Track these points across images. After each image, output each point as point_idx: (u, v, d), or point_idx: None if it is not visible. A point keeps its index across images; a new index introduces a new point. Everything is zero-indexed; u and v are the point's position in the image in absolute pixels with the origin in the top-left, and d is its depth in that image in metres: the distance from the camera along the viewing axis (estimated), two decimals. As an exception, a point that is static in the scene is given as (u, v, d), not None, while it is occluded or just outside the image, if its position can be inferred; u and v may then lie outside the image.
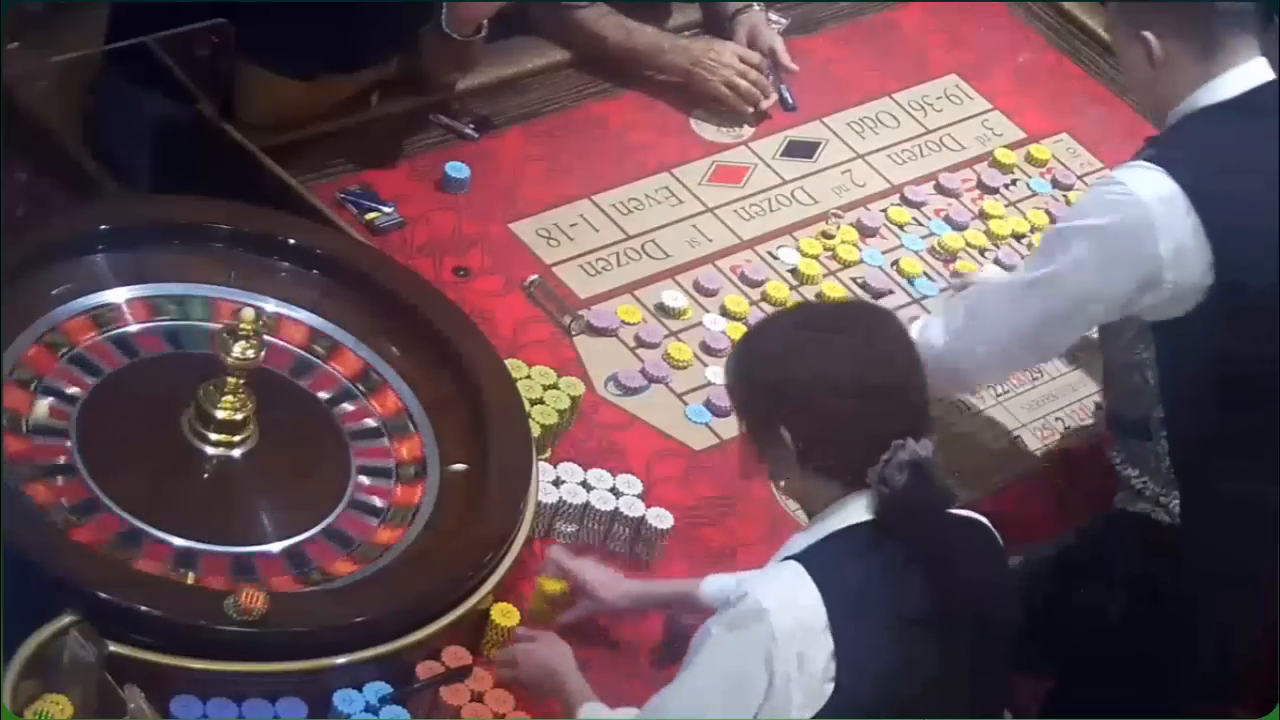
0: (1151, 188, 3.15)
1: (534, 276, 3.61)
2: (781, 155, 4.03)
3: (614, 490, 3.23)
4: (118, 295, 3.22)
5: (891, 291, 3.78)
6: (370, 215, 3.64)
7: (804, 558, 2.68)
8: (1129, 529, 3.37)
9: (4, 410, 2.98)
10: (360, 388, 3.23)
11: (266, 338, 3.15)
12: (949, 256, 3.88)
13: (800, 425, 2.71)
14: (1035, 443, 3.61)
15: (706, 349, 3.58)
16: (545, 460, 3.25)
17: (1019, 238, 3.93)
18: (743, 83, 4.02)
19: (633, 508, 3.21)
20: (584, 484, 3.23)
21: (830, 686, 2.63)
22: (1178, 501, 3.31)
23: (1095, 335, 3.39)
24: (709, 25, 4.20)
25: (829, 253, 3.83)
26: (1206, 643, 3.36)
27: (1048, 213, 3.98)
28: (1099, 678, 3.42)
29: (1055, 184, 4.09)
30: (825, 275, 3.78)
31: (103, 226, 3.26)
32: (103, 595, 2.75)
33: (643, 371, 3.51)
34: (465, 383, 3.23)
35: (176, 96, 3.58)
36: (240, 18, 3.49)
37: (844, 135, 4.10)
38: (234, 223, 3.33)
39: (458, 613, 2.96)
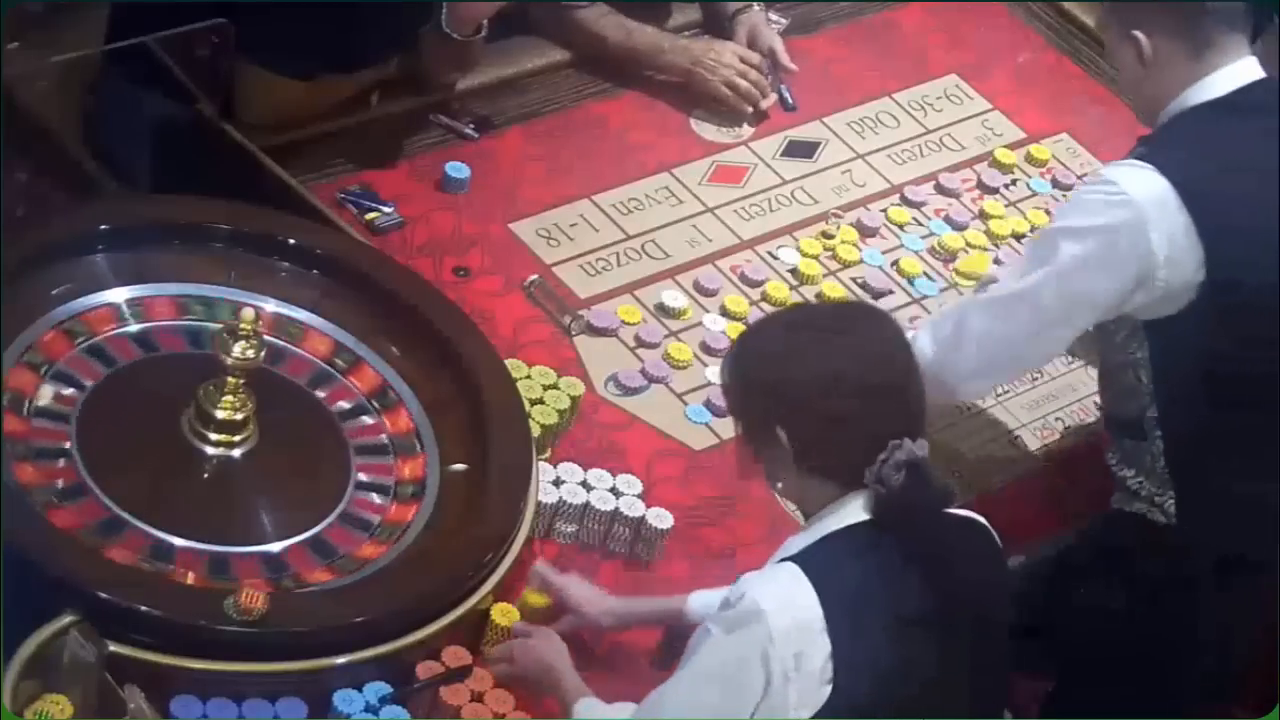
0: (1143, 186, 3.16)
1: (534, 276, 3.61)
2: (781, 155, 4.03)
3: (614, 490, 3.23)
4: (118, 295, 3.22)
5: (891, 291, 3.78)
6: (370, 215, 3.64)
7: (801, 559, 2.68)
8: (1126, 529, 3.38)
9: (4, 409, 2.99)
10: (375, 404, 3.23)
11: (290, 346, 3.18)
12: (949, 256, 3.88)
13: (796, 426, 2.71)
14: (1035, 443, 3.61)
15: (706, 349, 3.58)
16: (545, 460, 3.25)
17: (1019, 238, 3.93)
18: (743, 83, 4.02)
19: (633, 508, 3.21)
20: (584, 484, 3.23)
21: (828, 688, 2.63)
22: (1173, 501, 3.31)
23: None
24: (709, 25, 4.20)
25: (829, 253, 3.83)
26: (1205, 642, 3.36)
27: (1047, 213, 3.98)
28: (1098, 678, 3.43)
29: (1055, 184, 4.09)
30: (825, 275, 3.78)
31: (103, 226, 3.26)
32: (103, 595, 2.75)
33: (643, 371, 3.52)
34: (465, 383, 3.23)
35: (176, 96, 3.58)
36: (240, 18, 3.49)
37: (844, 135, 4.10)
38: (234, 223, 3.33)
39: (458, 613, 2.96)
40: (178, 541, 2.95)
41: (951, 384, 3.28)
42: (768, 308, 3.65)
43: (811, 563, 2.67)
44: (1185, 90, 3.24)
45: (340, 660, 2.84)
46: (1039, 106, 4.27)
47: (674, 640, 2.99)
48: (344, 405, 3.21)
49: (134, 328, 3.20)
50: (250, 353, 3.02)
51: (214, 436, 3.07)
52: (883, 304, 3.70)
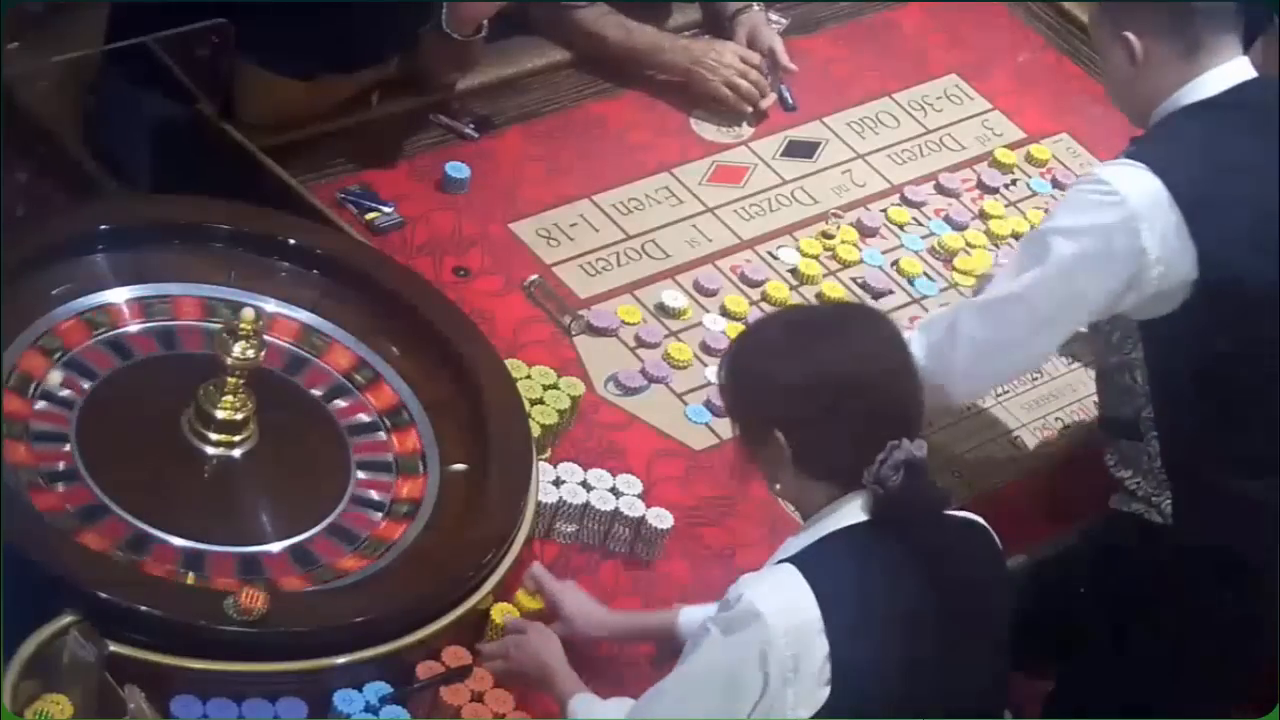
0: (1135, 185, 3.16)
1: (534, 276, 3.61)
2: (781, 155, 4.03)
3: (614, 490, 3.23)
4: (118, 295, 3.22)
5: (891, 291, 3.78)
6: (370, 215, 3.64)
7: (799, 560, 2.68)
8: (1124, 530, 3.38)
9: (4, 414, 2.99)
10: (356, 380, 3.23)
11: (311, 358, 3.21)
12: (949, 256, 3.88)
13: (794, 427, 2.71)
14: (1035, 443, 3.61)
15: (706, 349, 3.58)
16: (545, 460, 3.25)
17: (1019, 238, 3.92)
18: (743, 83, 4.02)
19: (633, 508, 3.21)
20: (584, 484, 3.23)
21: (826, 689, 2.62)
22: (1170, 501, 3.31)
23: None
24: (709, 25, 4.21)
25: (829, 253, 3.83)
26: (1204, 643, 3.36)
27: (1047, 213, 3.97)
28: (1099, 678, 3.43)
29: (1055, 184, 4.09)
30: (825, 275, 3.78)
31: (103, 226, 3.26)
32: (103, 595, 2.75)
33: (643, 371, 3.52)
34: (465, 383, 3.23)
35: (176, 96, 3.58)
36: (240, 18, 3.49)
37: (844, 135, 4.10)
38: (234, 223, 3.34)
39: (458, 613, 2.96)
40: (157, 534, 2.94)
41: (946, 387, 3.27)
42: (768, 308, 3.65)
43: (810, 564, 2.67)
44: (1177, 90, 3.24)
45: (340, 660, 2.84)
46: (1039, 106, 4.27)
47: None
48: (360, 419, 3.20)
49: (136, 327, 3.20)
50: (250, 353, 3.02)
51: (214, 436, 3.07)
52: (883, 304, 3.70)
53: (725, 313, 3.66)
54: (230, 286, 3.29)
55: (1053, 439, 3.62)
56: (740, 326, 3.55)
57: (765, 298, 3.70)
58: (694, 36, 4.15)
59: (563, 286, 3.63)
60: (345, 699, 2.83)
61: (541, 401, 3.31)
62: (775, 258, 3.80)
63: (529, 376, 3.35)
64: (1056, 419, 3.66)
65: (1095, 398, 3.58)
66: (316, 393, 3.22)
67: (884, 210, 3.94)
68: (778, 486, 2.83)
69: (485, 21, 3.78)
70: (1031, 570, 3.41)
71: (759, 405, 2.76)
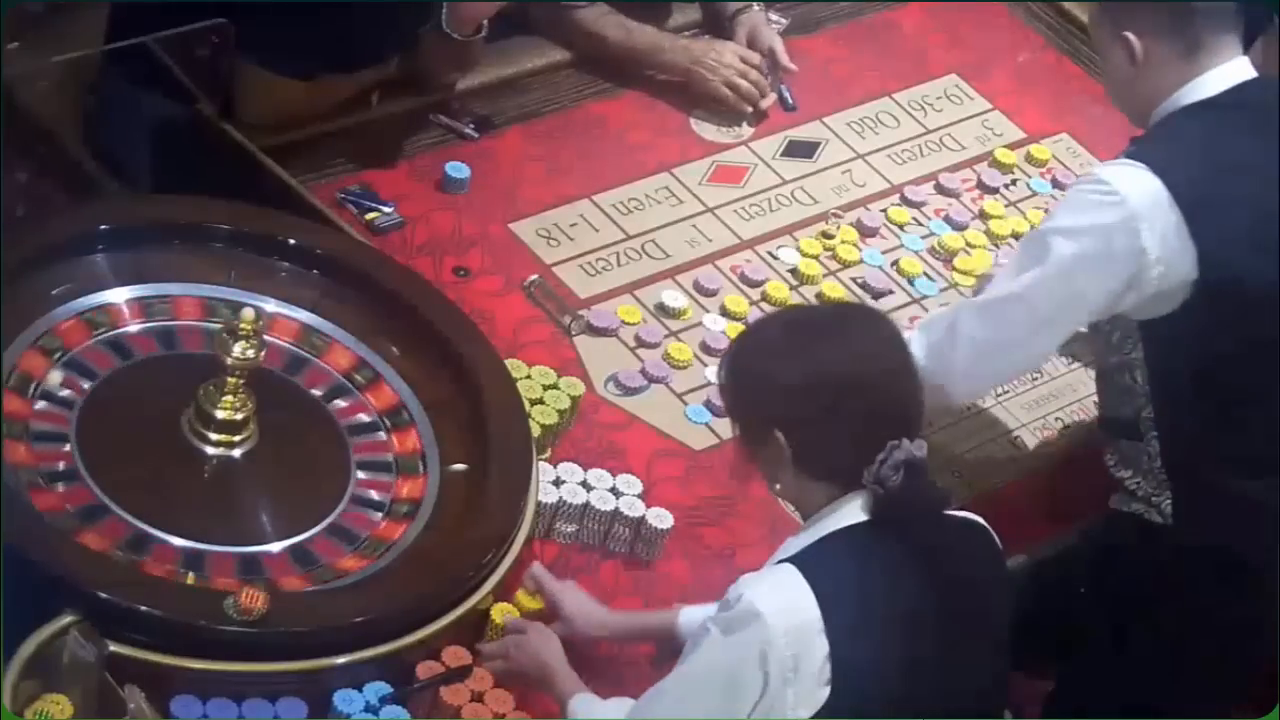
0: (1135, 185, 3.16)
1: (534, 276, 3.61)
2: (781, 155, 4.03)
3: (614, 490, 3.23)
4: (118, 295, 3.22)
5: (891, 291, 3.78)
6: (370, 215, 3.64)
7: (799, 560, 2.68)
8: (1124, 530, 3.38)
9: (4, 411, 2.99)
10: (356, 380, 3.23)
11: (311, 358, 3.21)
12: (949, 256, 3.88)
13: (793, 427, 2.71)
14: (1035, 443, 3.61)
15: (706, 349, 3.58)
16: (545, 460, 3.25)
17: (1019, 238, 3.92)
18: (743, 83, 4.02)
19: (633, 508, 3.21)
20: (584, 484, 3.23)
21: (826, 689, 2.62)
22: (1170, 501, 3.31)
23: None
24: (709, 25, 4.21)
25: (829, 253, 3.83)
26: (1204, 643, 3.36)
27: (1047, 213, 3.97)
28: (1099, 678, 3.43)
29: (1055, 184, 4.09)
30: (825, 275, 3.78)
31: (103, 226, 3.26)
32: (103, 595, 2.75)
33: (643, 371, 3.52)
34: (465, 383, 3.23)
35: (176, 96, 3.58)
36: (240, 18, 3.49)
37: (844, 135, 4.10)
38: (234, 223, 3.34)
39: (458, 613, 2.96)
40: (156, 534, 2.94)
41: (946, 387, 3.27)
42: (768, 308, 3.65)
43: (810, 564, 2.67)
44: (1177, 90, 3.24)
45: (340, 660, 2.84)
46: (1039, 106, 4.27)
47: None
48: (361, 419, 3.20)
49: (136, 327, 3.20)
50: (250, 353, 3.02)
51: (214, 436, 3.07)
52: (883, 304, 3.70)
53: (725, 313, 3.66)
54: (230, 286, 3.29)
55: (1053, 439, 3.62)
56: (740, 326, 3.55)
57: (765, 298, 3.70)
58: (694, 36, 4.15)
59: (563, 286, 3.63)
60: (345, 699, 2.84)
61: (541, 401, 3.31)
62: (775, 258, 3.80)
63: (529, 376, 3.35)
64: (1056, 419, 3.66)
65: (1095, 398, 3.58)
66: (316, 392, 3.22)
67: (884, 210, 3.94)
68: (778, 486, 2.83)
69: (485, 21, 3.78)
70: (1031, 570, 3.40)
71: (759, 405, 2.76)
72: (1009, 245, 3.91)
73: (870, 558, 2.69)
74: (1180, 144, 3.22)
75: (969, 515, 2.87)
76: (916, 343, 3.26)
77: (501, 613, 3.01)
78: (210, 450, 3.07)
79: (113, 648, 2.73)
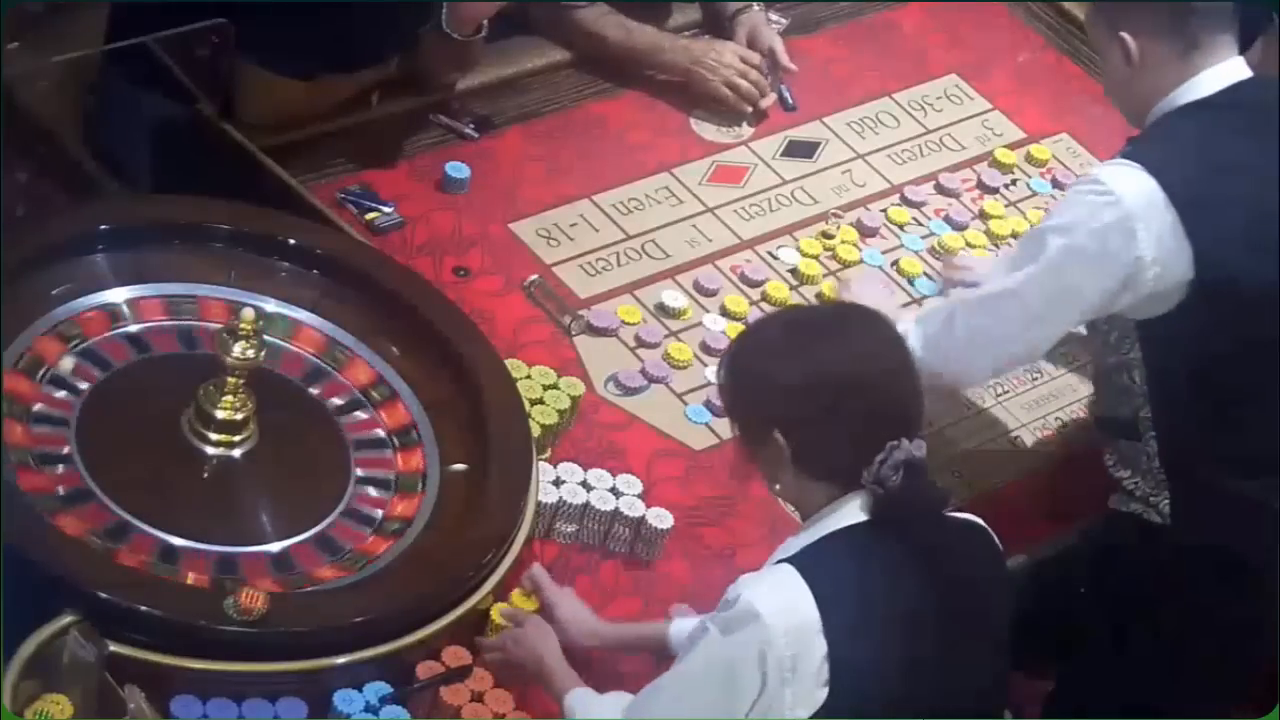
0: (1131, 185, 3.17)
1: (534, 276, 3.61)
2: (781, 155, 4.03)
3: (614, 490, 3.23)
4: (118, 295, 3.22)
5: (891, 292, 3.78)
6: (370, 215, 3.64)
7: (798, 560, 2.68)
8: (1123, 530, 3.38)
9: (4, 407, 2.99)
10: (371, 397, 3.22)
11: (281, 343, 3.18)
12: (949, 256, 3.88)
13: (793, 428, 2.71)
14: (1035, 442, 3.61)
15: (706, 349, 3.58)
16: (545, 460, 3.25)
17: (1019, 238, 3.92)
18: (743, 83, 4.02)
19: (633, 508, 3.21)
20: (584, 484, 3.23)
21: (825, 690, 2.62)
22: (1168, 501, 3.31)
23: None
24: (709, 25, 4.21)
25: (829, 253, 3.83)
26: (1204, 643, 3.36)
27: (1046, 213, 3.98)
28: (1099, 678, 3.43)
29: (1055, 184, 4.09)
30: (825, 275, 3.78)
31: (103, 226, 3.26)
32: (103, 595, 2.75)
33: (643, 371, 3.52)
34: (465, 383, 3.23)
35: (176, 96, 3.58)
36: (240, 18, 3.49)
37: (844, 135, 4.10)
38: (234, 223, 3.34)
39: (458, 613, 2.96)
40: (184, 543, 2.95)
41: (943, 376, 3.30)
42: (768, 308, 3.65)
43: (808, 564, 2.67)
44: (1173, 91, 3.25)
45: (340, 660, 2.84)
46: (1039, 106, 4.27)
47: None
48: (338, 401, 3.21)
49: (131, 328, 3.20)
50: (250, 353, 3.02)
51: (214, 436, 3.07)
52: (882, 304, 3.70)
53: (725, 313, 3.66)
54: (230, 286, 3.28)
55: (1052, 439, 3.62)
56: (740, 326, 3.54)
57: (765, 298, 3.70)
58: (694, 36, 4.15)
59: (563, 286, 3.63)
60: (345, 699, 2.84)
61: (541, 401, 3.31)
62: (775, 258, 3.80)
63: (529, 376, 3.35)
64: (1056, 419, 3.66)
65: (1092, 398, 3.59)
66: (315, 392, 3.22)
67: (884, 210, 3.94)
68: (777, 486, 2.84)
69: (485, 21, 3.78)
70: (1031, 570, 3.41)
71: (759, 405, 2.76)
72: (1009, 245, 3.91)
73: (869, 558, 2.69)
74: (1176, 144, 3.22)
75: (969, 517, 2.87)
76: (914, 334, 3.27)
77: (501, 617, 3.01)
78: (210, 450, 3.07)
79: (113, 648, 2.73)
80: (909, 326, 3.29)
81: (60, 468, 2.99)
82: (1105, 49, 3.31)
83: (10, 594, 2.69)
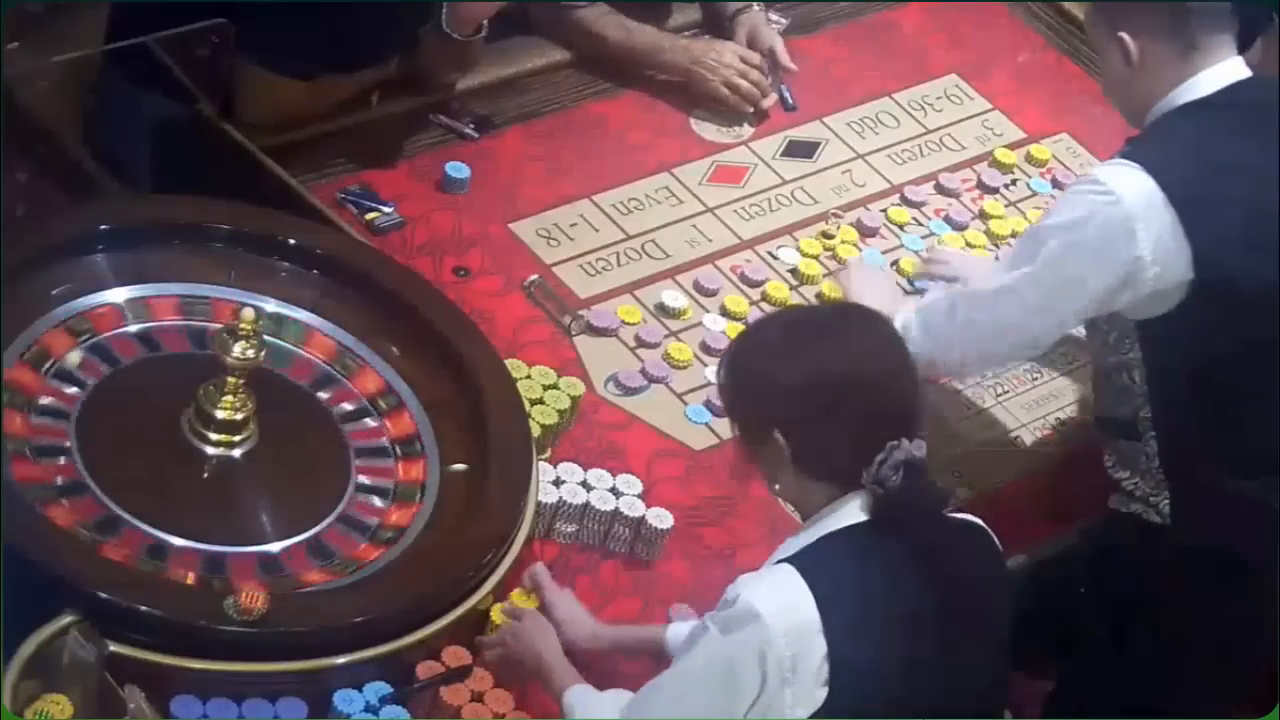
0: (1130, 185, 3.17)
1: (534, 276, 3.61)
2: (781, 155, 4.03)
3: (614, 490, 3.23)
4: (118, 295, 3.22)
5: (889, 278, 3.78)
6: (370, 215, 3.64)
7: (798, 560, 2.68)
8: (1122, 530, 3.38)
9: (5, 405, 2.99)
10: (378, 405, 3.22)
11: (293, 348, 3.19)
12: (928, 251, 3.87)
13: (793, 428, 2.71)
14: (1035, 442, 3.61)
15: (706, 349, 3.58)
16: (545, 460, 3.25)
17: (1018, 237, 3.93)
18: (743, 83, 4.02)
19: (633, 508, 3.21)
20: (584, 484, 3.23)
21: (824, 690, 2.62)
22: (1168, 501, 3.32)
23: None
24: (709, 25, 4.21)
25: (829, 253, 3.83)
26: (1204, 643, 3.36)
27: (1046, 212, 3.98)
28: (1099, 678, 3.43)
29: (1055, 184, 4.09)
30: (825, 275, 3.78)
31: (103, 226, 3.26)
32: (103, 595, 2.75)
33: (643, 371, 3.52)
34: (465, 383, 3.23)
35: (176, 96, 3.58)
36: (240, 18, 3.49)
37: (844, 135, 4.10)
38: (234, 223, 3.34)
39: (458, 613, 2.96)
40: (174, 541, 2.94)
41: (941, 366, 3.34)
42: (768, 308, 3.65)
43: (808, 564, 2.67)
44: (1172, 91, 3.25)
45: (340, 660, 2.84)
46: (1039, 106, 4.27)
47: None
48: (346, 408, 3.21)
49: (136, 327, 3.20)
50: (250, 353, 3.02)
51: (214, 436, 3.07)
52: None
53: (725, 313, 3.66)
54: (230, 286, 3.28)
55: (1052, 439, 3.62)
56: (740, 326, 3.55)
57: (765, 298, 3.70)
58: (694, 36, 4.15)
59: (563, 286, 3.63)
60: (345, 699, 2.84)
61: (541, 401, 3.31)
62: (775, 258, 3.80)
63: (529, 376, 3.35)
64: (1056, 419, 3.66)
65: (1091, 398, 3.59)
66: (313, 391, 3.22)
67: (884, 210, 3.94)
68: (777, 486, 2.83)
69: (485, 21, 3.78)
70: (1031, 570, 3.41)
71: (758, 405, 2.76)
72: (1009, 245, 3.90)
73: (869, 558, 2.69)
74: (1175, 144, 3.22)
75: (969, 517, 2.87)
76: (915, 325, 3.28)
77: (501, 613, 3.01)
78: (210, 450, 3.07)
79: (113, 648, 2.73)
80: (910, 316, 3.30)
81: (60, 459, 2.99)
82: (1104, 49, 3.31)
83: (10, 594, 2.69)
